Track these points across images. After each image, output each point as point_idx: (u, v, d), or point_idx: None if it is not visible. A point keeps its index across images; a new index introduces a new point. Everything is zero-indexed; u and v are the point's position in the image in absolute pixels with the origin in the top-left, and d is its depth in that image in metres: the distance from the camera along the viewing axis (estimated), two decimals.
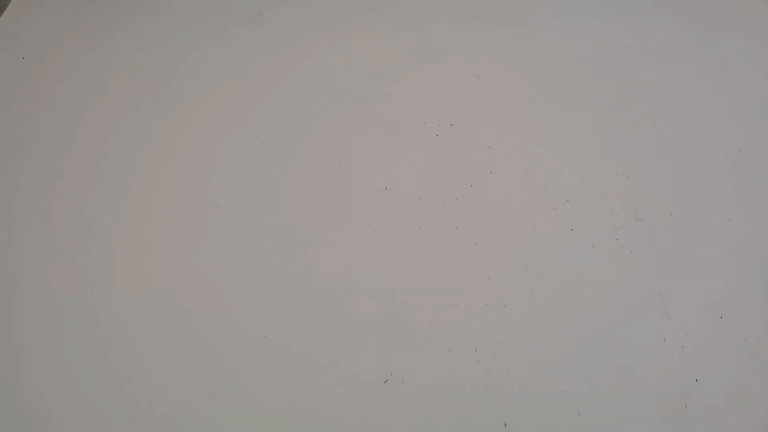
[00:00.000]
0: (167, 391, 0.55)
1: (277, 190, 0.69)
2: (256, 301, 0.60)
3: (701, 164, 0.68)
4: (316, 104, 0.77)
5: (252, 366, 0.56)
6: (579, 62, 0.80)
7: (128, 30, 0.89)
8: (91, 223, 0.67)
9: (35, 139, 0.76)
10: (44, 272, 0.64)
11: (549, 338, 0.56)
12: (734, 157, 0.68)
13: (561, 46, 0.82)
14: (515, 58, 0.81)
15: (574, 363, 0.55)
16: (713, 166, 0.68)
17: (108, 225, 0.67)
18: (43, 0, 0.94)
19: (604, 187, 0.66)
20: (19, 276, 0.64)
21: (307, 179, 0.69)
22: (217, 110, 0.77)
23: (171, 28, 0.88)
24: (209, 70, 0.82)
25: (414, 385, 0.54)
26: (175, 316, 0.60)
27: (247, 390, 0.55)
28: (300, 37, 0.85)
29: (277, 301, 0.60)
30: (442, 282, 0.60)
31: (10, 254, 0.65)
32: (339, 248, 0.63)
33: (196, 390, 0.55)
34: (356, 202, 0.67)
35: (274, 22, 0.88)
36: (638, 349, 0.55)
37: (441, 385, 0.54)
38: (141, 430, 0.53)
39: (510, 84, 0.78)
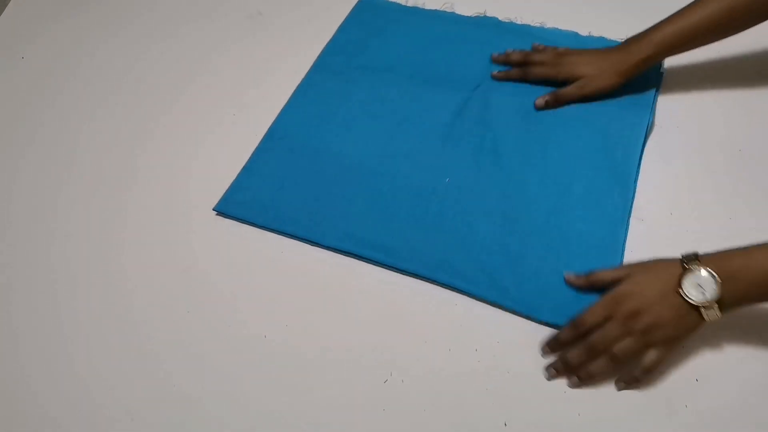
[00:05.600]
0: (167, 391, 0.55)
1: None
2: (256, 300, 0.60)
3: (701, 164, 0.68)
4: None
5: (252, 366, 0.56)
6: None
7: (128, 30, 0.89)
8: (91, 223, 0.67)
9: (35, 139, 0.76)
10: (44, 271, 0.64)
11: (548, 337, 0.56)
12: (734, 157, 0.68)
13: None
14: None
15: None
16: (713, 166, 0.67)
17: (107, 225, 0.67)
18: (43, 0, 0.94)
19: None
20: (18, 275, 0.64)
21: None
22: (218, 109, 0.77)
23: (171, 28, 0.88)
24: (210, 70, 0.82)
25: (414, 385, 0.54)
26: (175, 315, 0.60)
27: (247, 390, 0.55)
28: (300, 37, 0.85)
29: (277, 300, 0.60)
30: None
31: (10, 254, 0.66)
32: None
33: (195, 390, 0.55)
34: None
35: (274, 21, 0.88)
36: None
37: (441, 385, 0.54)
38: (141, 430, 0.53)
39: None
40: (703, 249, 0.51)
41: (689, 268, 0.49)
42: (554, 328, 0.56)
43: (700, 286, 0.49)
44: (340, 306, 0.60)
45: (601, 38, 0.79)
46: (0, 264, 0.65)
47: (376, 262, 0.61)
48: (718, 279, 0.48)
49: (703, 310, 0.49)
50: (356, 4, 0.86)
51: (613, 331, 0.51)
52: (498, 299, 0.58)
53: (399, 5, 0.86)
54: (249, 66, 0.82)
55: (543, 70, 0.71)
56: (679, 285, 0.49)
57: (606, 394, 0.53)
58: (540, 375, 0.54)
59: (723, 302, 0.49)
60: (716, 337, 0.55)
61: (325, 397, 0.54)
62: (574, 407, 0.52)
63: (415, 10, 0.85)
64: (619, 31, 0.79)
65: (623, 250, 0.60)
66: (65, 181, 0.71)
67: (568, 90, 0.69)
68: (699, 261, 0.50)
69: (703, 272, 0.49)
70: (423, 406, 0.53)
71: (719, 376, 0.53)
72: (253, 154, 0.71)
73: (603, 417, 0.52)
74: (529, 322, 0.57)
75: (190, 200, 0.68)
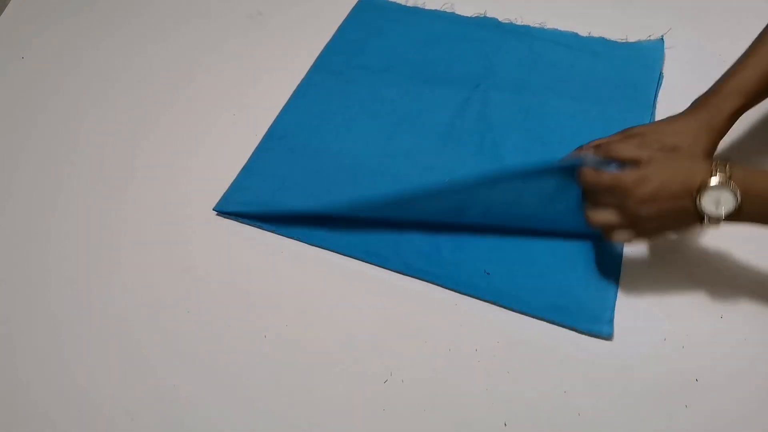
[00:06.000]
0: (166, 391, 0.55)
1: None
2: (256, 300, 0.60)
3: None
4: None
5: (251, 366, 0.56)
6: None
7: (128, 30, 0.89)
8: (91, 223, 0.67)
9: (35, 139, 0.76)
10: (42, 271, 0.64)
11: (549, 338, 0.56)
12: (734, 156, 0.68)
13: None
14: None
15: (573, 362, 0.55)
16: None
17: (107, 225, 0.67)
18: (43, 0, 0.94)
19: None
20: (17, 275, 0.64)
21: None
22: (218, 109, 0.77)
23: (171, 28, 0.88)
24: (209, 70, 0.82)
25: (414, 385, 0.54)
26: (175, 315, 0.60)
27: (246, 390, 0.55)
28: (300, 37, 0.85)
29: (277, 300, 0.60)
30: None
31: (12, 254, 0.65)
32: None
33: (195, 390, 0.55)
34: None
35: (274, 21, 0.88)
36: (638, 349, 0.55)
37: (441, 385, 0.54)
38: (141, 430, 0.53)
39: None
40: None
41: (715, 181, 0.46)
42: (555, 324, 0.57)
43: (718, 202, 0.47)
44: (340, 306, 0.60)
45: (601, 38, 0.79)
46: (1, 265, 0.65)
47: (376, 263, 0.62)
48: (738, 200, 0.46)
49: (707, 220, 0.47)
50: (356, 4, 0.87)
51: (606, 200, 0.51)
52: (497, 299, 0.58)
53: (399, 5, 0.86)
54: (249, 66, 0.82)
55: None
56: (698, 193, 0.47)
57: (605, 394, 0.53)
58: (540, 375, 0.54)
59: (730, 218, 0.47)
60: (716, 337, 0.55)
61: (325, 397, 0.54)
62: (574, 407, 0.52)
63: (415, 10, 0.85)
64: (618, 32, 0.79)
65: (622, 248, 0.60)
66: (64, 180, 0.71)
67: None
68: (727, 174, 0.46)
69: (727, 189, 0.46)
70: (423, 406, 0.53)
71: (719, 377, 0.53)
72: (253, 154, 0.71)
73: (603, 417, 0.52)
74: (529, 322, 0.57)
75: (190, 200, 0.68)
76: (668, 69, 0.76)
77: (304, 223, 0.64)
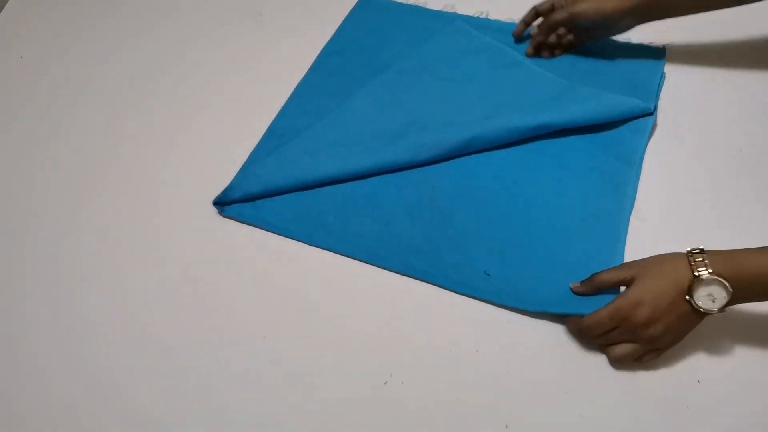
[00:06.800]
0: (166, 393, 0.55)
1: None
2: (256, 301, 0.60)
3: (701, 164, 0.68)
4: None
5: (251, 366, 0.56)
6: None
7: (127, 30, 0.89)
8: (91, 223, 0.67)
9: (34, 139, 0.76)
10: (46, 271, 0.64)
11: (549, 338, 0.56)
12: (734, 157, 0.68)
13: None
14: None
15: (574, 363, 0.55)
16: (713, 166, 0.68)
17: (107, 225, 0.67)
18: (43, 0, 0.94)
19: None
20: (17, 274, 0.64)
21: None
22: (217, 109, 0.77)
23: (171, 28, 0.89)
24: (210, 70, 0.82)
25: (414, 386, 0.54)
26: (175, 316, 0.60)
27: (246, 391, 0.55)
28: (300, 37, 0.85)
29: (277, 300, 0.60)
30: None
31: (14, 253, 0.65)
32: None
33: (194, 390, 0.55)
34: None
35: (274, 21, 0.88)
36: None
37: (441, 387, 0.54)
38: (140, 430, 0.53)
39: None
40: (700, 247, 0.51)
41: (701, 277, 0.49)
42: (554, 321, 0.57)
43: (711, 296, 0.49)
44: (340, 306, 0.59)
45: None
46: (1, 264, 0.65)
47: (376, 263, 0.62)
48: (730, 289, 0.48)
49: (707, 315, 0.50)
50: (356, 4, 0.86)
51: (619, 340, 0.52)
52: (497, 299, 0.58)
53: (399, 5, 0.86)
54: (249, 66, 0.82)
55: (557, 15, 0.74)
56: (690, 294, 0.49)
57: (607, 395, 0.53)
58: (540, 376, 0.54)
59: (728, 305, 0.49)
60: (718, 338, 0.55)
61: (326, 398, 0.54)
62: (575, 408, 0.52)
63: (416, 10, 0.85)
64: (619, 36, 0.79)
65: (623, 250, 0.60)
66: (64, 180, 0.71)
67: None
68: (709, 265, 0.49)
69: (716, 283, 0.48)
70: (423, 407, 0.53)
71: (721, 378, 0.53)
72: (252, 154, 0.71)
73: (604, 418, 0.52)
74: (529, 322, 0.57)
75: (189, 200, 0.68)
76: (670, 68, 0.76)
77: (305, 223, 0.64)
